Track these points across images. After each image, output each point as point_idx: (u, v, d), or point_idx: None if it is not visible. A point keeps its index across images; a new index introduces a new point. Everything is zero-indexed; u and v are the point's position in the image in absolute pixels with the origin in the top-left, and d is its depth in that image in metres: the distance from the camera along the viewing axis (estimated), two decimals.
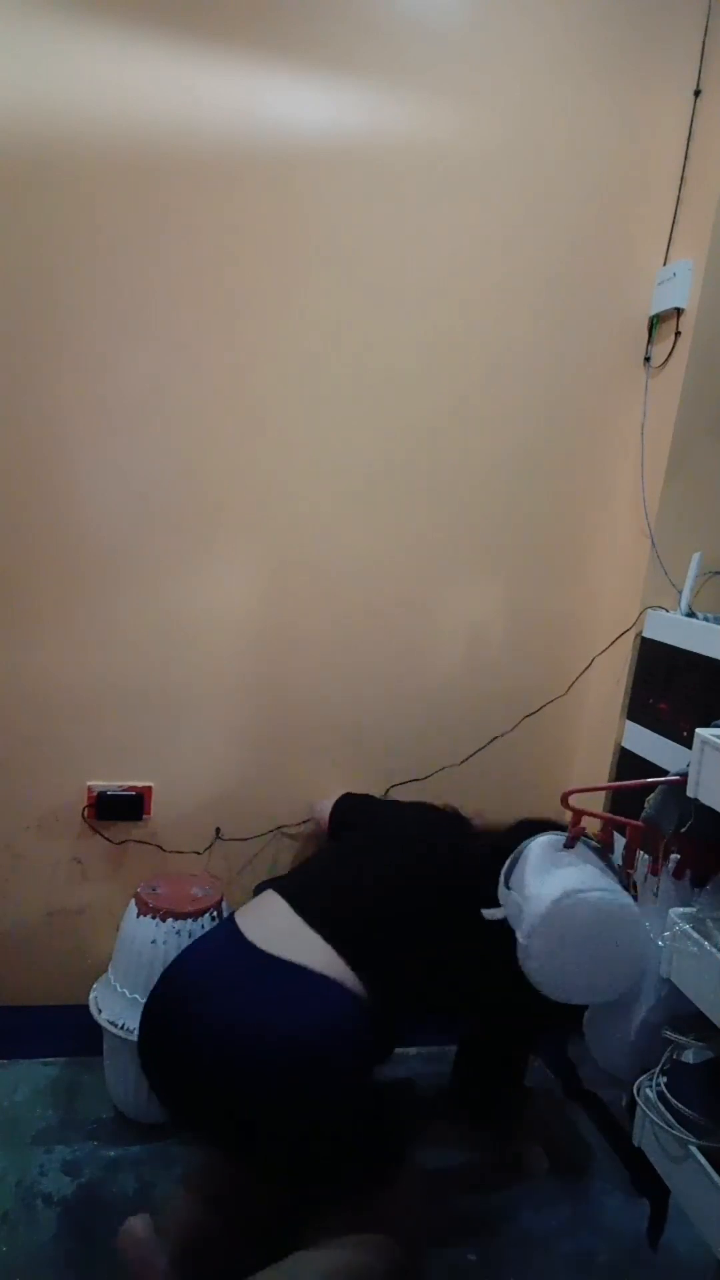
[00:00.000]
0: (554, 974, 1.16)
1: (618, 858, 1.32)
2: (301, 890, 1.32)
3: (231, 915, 1.32)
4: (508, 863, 1.26)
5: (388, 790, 1.80)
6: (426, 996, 1.33)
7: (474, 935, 1.26)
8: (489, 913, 1.23)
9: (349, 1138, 1.14)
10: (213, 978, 1.20)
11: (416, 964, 1.28)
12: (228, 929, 1.28)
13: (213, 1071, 1.11)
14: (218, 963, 1.23)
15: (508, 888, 1.24)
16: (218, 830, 1.75)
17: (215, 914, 1.57)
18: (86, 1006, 1.58)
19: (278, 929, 1.24)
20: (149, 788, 1.70)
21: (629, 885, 1.32)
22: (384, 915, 1.29)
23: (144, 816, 1.70)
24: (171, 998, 1.21)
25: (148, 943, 1.52)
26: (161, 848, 1.73)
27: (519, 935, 1.16)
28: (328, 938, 1.21)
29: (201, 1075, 1.12)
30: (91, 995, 1.60)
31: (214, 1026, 1.13)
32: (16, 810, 1.66)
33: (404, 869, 1.37)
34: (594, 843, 1.31)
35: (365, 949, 1.22)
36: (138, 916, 1.54)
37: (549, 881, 1.17)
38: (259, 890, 1.38)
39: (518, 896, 1.20)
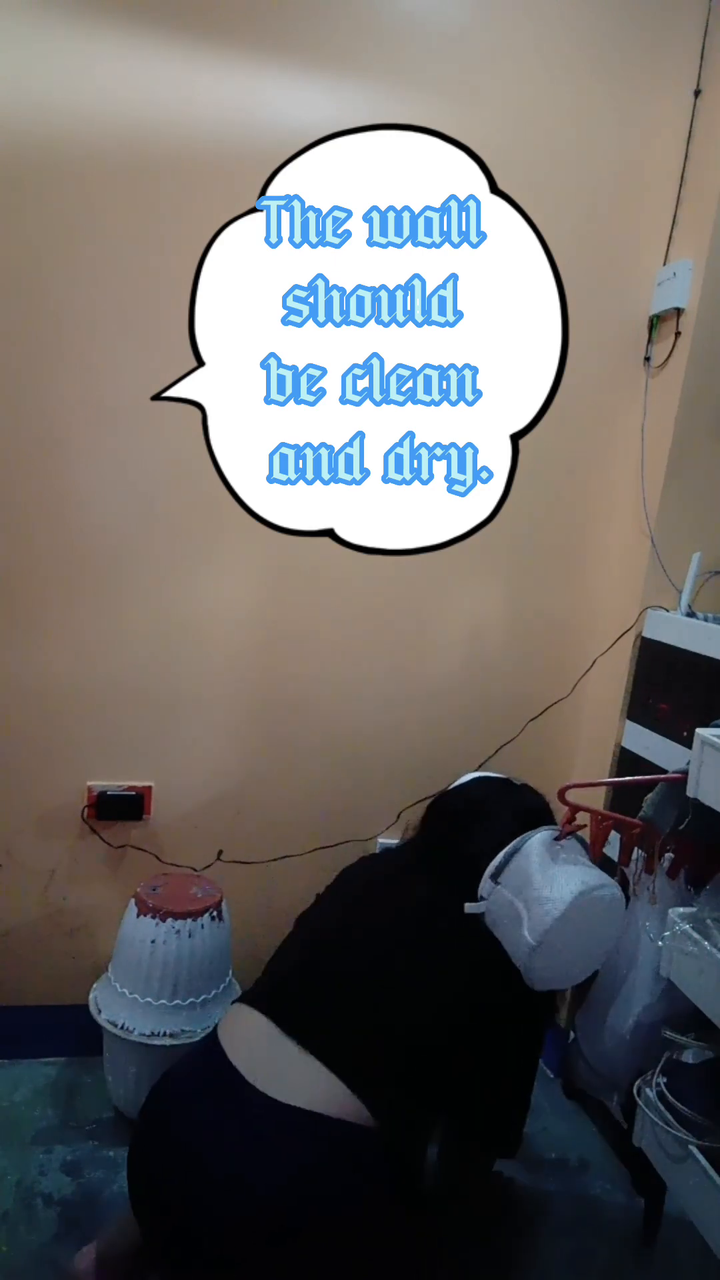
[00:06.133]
0: (556, 968, 1.16)
1: (613, 854, 1.32)
2: (283, 1002, 1.20)
3: (215, 1034, 1.20)
4: (500, 857, 1.24)
5: (399, 813, 1.80)
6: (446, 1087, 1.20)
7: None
8: (470, 907, 1.23)
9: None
10: (198, 1122, 1.09)
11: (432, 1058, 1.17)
12: (213, 1055, 1.16)
13: (201, 1230, 1.02)
14: (202, 1101, 1.11)
15: (496, 882, 1.22)
16: (219, 853, 1.75)
17: (215, 914, 1.57)
18: (86, 1006, 1.58)
19: (263, 1053, 1.13)
20: (149, 788, 1.70)
21: (625, 881, 1.33)
22: (386, 1027, 1.15)
23: (144, 816, 1.70)
24: (155, 1139, 1.12)
25: (147, 943, 1.52)
26: (159, 858, 1.73)
27: (527, 935, 1.14)
28: (324, 1060, 1.10)
29: (189, 1231, 1.04)
30: (91, 995, 1.60)
31: (199, 1186, 1.03)
32: (17, 809, 1.66)
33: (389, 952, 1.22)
34: (582, 837, 1.30)
35: (370, 1068, 1.11)
36: (137, 916, 1.54)
37: (558, 881, 1.16)
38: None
39: (510, 894, 1.19)
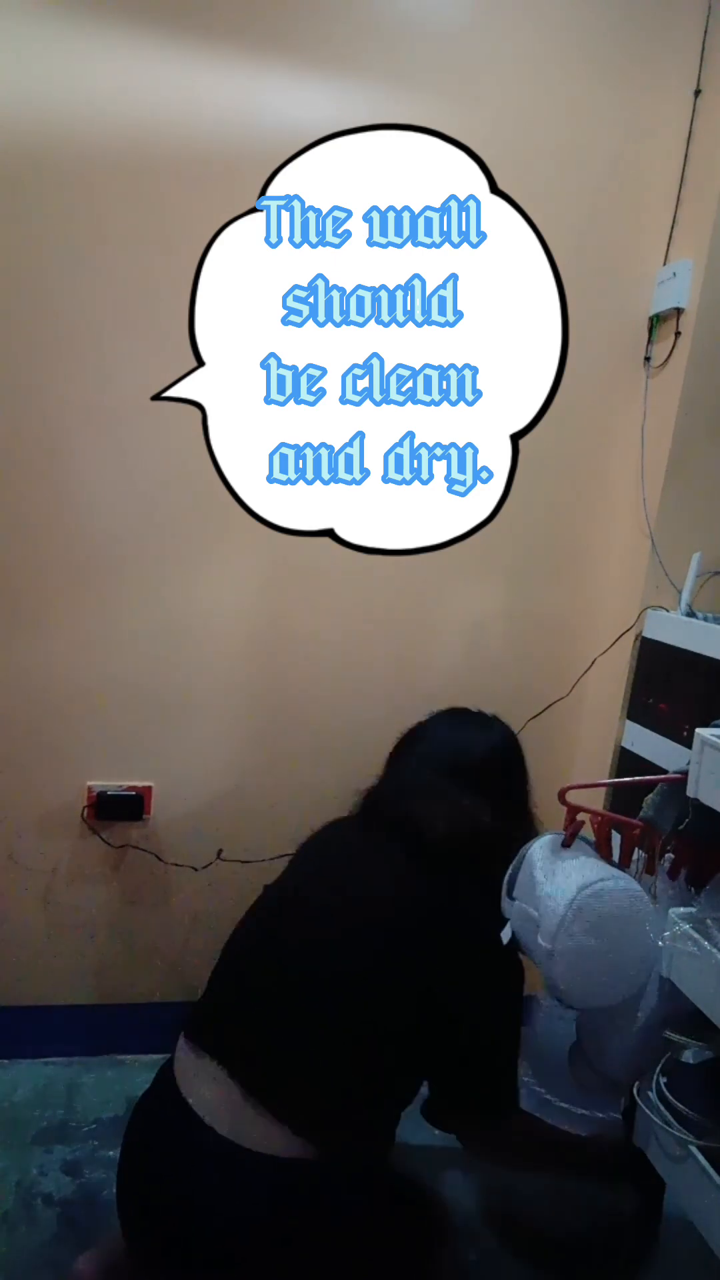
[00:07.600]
0: (582, 975, 1.10)
1: (614, 855, 1.31)
2: (229, 1047, 1.07)
3: (171, 1072, 1.10)
4: (510, 870, 1.20)
5: None
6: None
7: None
8: (506, 933, 1.15)
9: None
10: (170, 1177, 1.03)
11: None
12: (174, 1105, 1.06)
13: (199, 1230, 1.01)
14: (174, 1163, 1.04)
15: (511, 897, 1.18)
16: (219, 852, 1.75)
17: None
18: (86, 1006, 1.58)
19: (225, 1109, 1.03)
20: (149, 788, 1.70)
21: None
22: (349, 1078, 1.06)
23: (144, 816, 1.70)
24: (149, 1139, 1.09)
25: None
26: (159, 857, 1.73)
27: (541, 941, 1.09)
28: (277, 1114, 1.01)
29: (188, 1232, 1.02)
30: None
31: (196, 1189, 1.01)
32: (16, 809, 1.67)
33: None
34: (590, 839, 1.29)
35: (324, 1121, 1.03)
36: None
37: (559, 877, 1.13)
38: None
39: (525, 905, 1.15)
